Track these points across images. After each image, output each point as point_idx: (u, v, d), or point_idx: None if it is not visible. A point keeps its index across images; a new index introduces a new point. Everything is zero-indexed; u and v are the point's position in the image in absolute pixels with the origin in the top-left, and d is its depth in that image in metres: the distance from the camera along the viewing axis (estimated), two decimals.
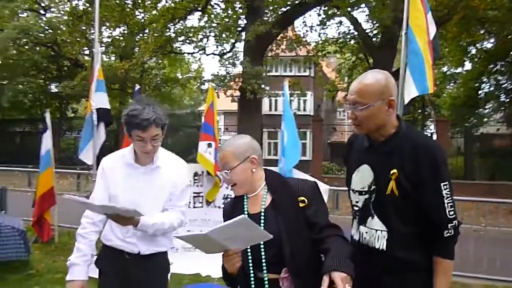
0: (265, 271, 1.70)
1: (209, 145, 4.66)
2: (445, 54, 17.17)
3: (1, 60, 22.09)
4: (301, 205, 1.72)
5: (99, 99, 5.23)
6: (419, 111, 21.14)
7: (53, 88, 24.64)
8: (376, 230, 1.77)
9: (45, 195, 5.50)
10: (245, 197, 1.82)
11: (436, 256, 1.69)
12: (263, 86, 12.53)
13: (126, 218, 2.03)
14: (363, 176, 1.81)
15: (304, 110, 24.83)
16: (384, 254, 1.74)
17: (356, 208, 1.87)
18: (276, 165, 4.83)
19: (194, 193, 5.20)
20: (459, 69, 21.56)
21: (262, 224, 1.70)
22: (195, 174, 5.04)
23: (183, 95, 31.73)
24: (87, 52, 22.05)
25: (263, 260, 1.70)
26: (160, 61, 19.03)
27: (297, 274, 1.67)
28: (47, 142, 5.70)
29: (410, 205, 1.69)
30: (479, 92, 20.84)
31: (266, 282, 1.70)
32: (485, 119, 20.93)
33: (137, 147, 2.12)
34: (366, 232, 1.80)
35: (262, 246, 1.70)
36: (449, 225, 1.66)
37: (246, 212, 1.78)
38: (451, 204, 1.67)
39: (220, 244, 1.60)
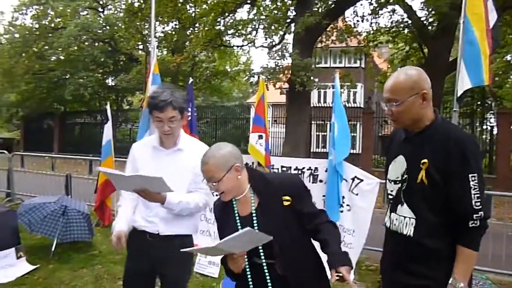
0: (263, 258, 1.83)
1: (260, 137, 4.74)
2: (509, 42, 16.00)
3: (64, 56, 23.63)
4: (286, 203, 1.81)
5: None
6: (478, 103, 19.91)
7: (110, 81, 25.99)
8: (405, 217, 1.86)
9: (106, 182, 5.86)
10: (233, 200, 1.89)
11: (460, 246, 1.73)
12: (312, 78, 12.40)
13: (153, 194, 2.15)
14: (398, 166, 1.92)
15: (354, 102, 24.27)
16: (411, 240, 1.82)
17: (390, 197, 1.98)
18: (324, 157, 4.82)
19: None
20: None
21: (255, 225, 1.82)
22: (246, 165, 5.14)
23: (232, 87, 32.20)
24: (140, 46, 23.01)
25: (260, 249, 1.82)
26: (211, 54, 19.43)
27: (287, 267, 1.79)
28: (108, 132, 6.06)
29: (438, 194, 1.75)
30: None
31: (264, 265, 1.83)
32: None
33: (157, 128, 2.31)
34: (396, 219, 1.91)
35: None
36: (475, 215, 1.70)
37: (237, 215, 1.87)
38: (478, 195, 1.70)
39: (227, 251, 1.75)
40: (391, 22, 15.68)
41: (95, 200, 6.39)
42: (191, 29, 18.11)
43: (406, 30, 15.85)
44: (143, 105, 8.10)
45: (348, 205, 4.50)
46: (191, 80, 5.57)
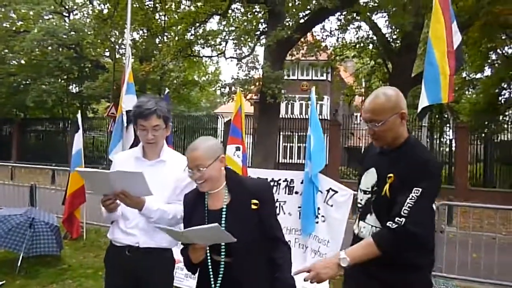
0: (223, 256, 1.90)
1: (237, 149, 4.78)
2: (465, 60, 17.00)
3: (26, 61, 22.73)
4: (253, 207, 1.91)
5: (129, 102, 5.40)
6: (437, 116, 20.91)
7: (74, 88, 25.21)
8: (372, 226, 1.99)
9: (76, 193, 5.70)
10: (206, 194, 1.98)
11: (371, 235, 1.88)
12: (282, 90, 12.59)
13: (132, 197, 2.14)
14: (369, 178, 2.04)
15: (320, 114, 24.80)
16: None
17: (359, 205, 2.10)
18: (291, 169, 4.92)
19: None
20: (479, 75, 21.33)
21: (223, 220, 1.91)
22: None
23: (201, 97, 32.07)
24: (107, 54, 22.52)
25: (222, 247, 1.90)
26: (181, 64, 19.36)
27: (243, 268, 1.89)
28: (78, 141, 5.92)
29: None
30: (500, 98, 20.56)
31: (222, 264, 1.91)
32: (506, 126, 20.58)
33: (141, 137, 2.33)
34: (364, 227, 2.03)
35: None
36: (396, 218, 1.79)
37: (206, 208, 1.97)
38: (410, 207, 1.78)
39: (191, 240, 1.87)
40: (357, 38, 16.29)
41: (63, 212, 6.18)
42: (160, 37, 17.95)
43: (371, 46, 16.50)
44: (112, 114, 7.93)
45: (323, 216, 4.61)
46: (167, 90, 5.54)
